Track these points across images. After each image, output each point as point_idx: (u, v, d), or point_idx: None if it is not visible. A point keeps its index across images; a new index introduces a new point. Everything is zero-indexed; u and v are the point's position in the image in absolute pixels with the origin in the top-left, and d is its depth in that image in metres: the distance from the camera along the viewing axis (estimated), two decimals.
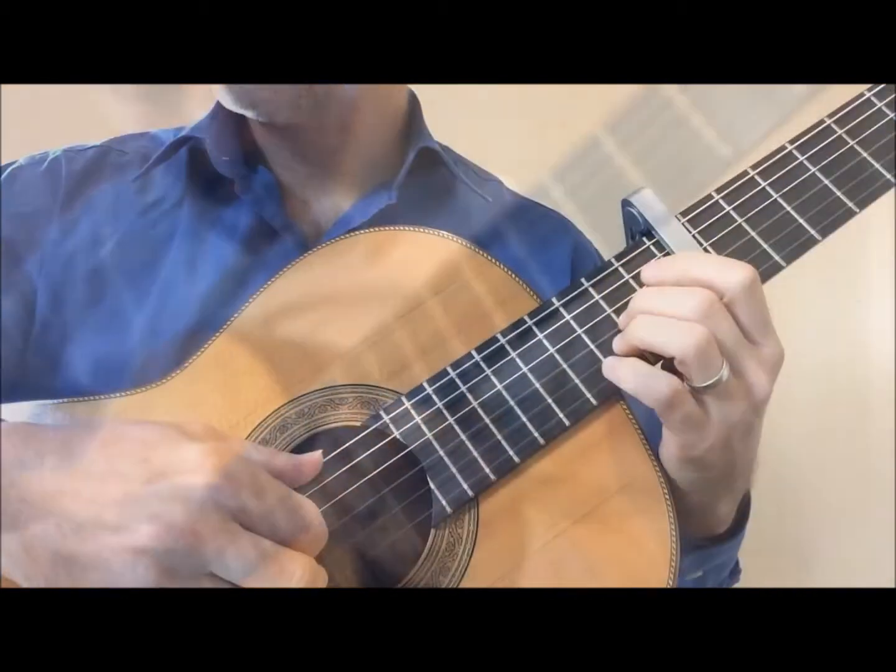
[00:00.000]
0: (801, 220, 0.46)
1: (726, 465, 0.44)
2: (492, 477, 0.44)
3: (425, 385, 0.46)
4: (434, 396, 0.45)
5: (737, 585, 0.60)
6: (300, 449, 0.45)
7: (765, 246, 0.46)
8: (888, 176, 0.47)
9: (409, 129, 0.64)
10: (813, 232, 0.46)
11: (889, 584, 1.16)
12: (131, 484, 0.33)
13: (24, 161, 0.62)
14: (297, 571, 0.34)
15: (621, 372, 0.43)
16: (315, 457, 0.40)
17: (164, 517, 0.32)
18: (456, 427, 0.45)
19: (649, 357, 0.43)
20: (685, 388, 0.41)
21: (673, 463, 0.44)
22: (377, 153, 0.63)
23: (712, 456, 0.43)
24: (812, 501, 1.22)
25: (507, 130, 1.25)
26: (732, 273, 0.41)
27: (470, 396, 0.45)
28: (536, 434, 0.44)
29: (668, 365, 0.43)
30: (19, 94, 1.00)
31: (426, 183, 0.63)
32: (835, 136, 0.48)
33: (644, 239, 0.48)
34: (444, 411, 0.45)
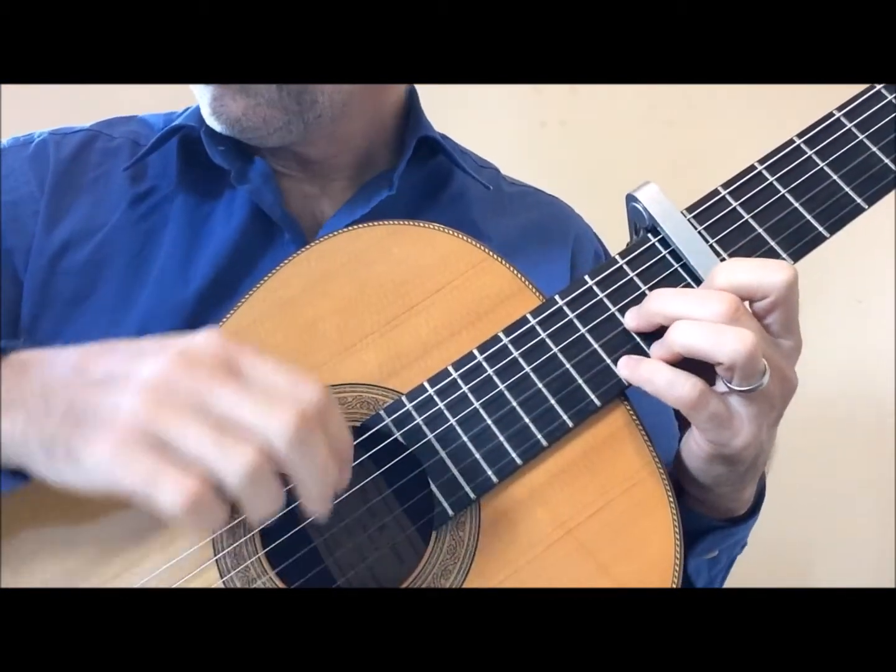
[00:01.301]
0: (808, 217, 0.46)
1: (754, 457, 0.44)
2: (494, 479, 0.43)
3: (426, 385, 0.45)
4: (435, 397, 0.45)
5: (736, 585, 0.60)
6: None
7: (772, 243, 0.46)
8: None
9: (408, 121, 0.63)
10: (821, 229, 0.46)
11: (889, 584, 1.16)
12: (147, 350, 0.36)
13: (7, 144, 0.60)
14: (288, 409, 0.34)
15: (644, 373, 0.43)
16: None
17: (167, 359, 0.35)
18: (457, 428, 0.44)
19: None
20: (709, 389, 0.41)
21: (703, 459, 0.44)
22: (374, 150, 0.62)
23: (746, 452, 0.43)
24: (812, 501, 1.22)
25: (507, 130, 1.25)
26: (778, 274, 0.42)
27: (471, 397, 0.45)
28: (539, 436, 0.44)
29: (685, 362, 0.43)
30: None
31: (425, 172, 0.63)
32: (844, 129, 0.47)
33: (649, 235, 0.47)
34: (446, 412, 0.44)
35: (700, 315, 0.41)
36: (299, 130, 0.54)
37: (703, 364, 0.42)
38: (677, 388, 0.41)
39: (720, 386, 0.42)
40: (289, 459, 0.34)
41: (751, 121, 1.16)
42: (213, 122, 0.53)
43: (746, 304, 0.43)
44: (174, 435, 0.33)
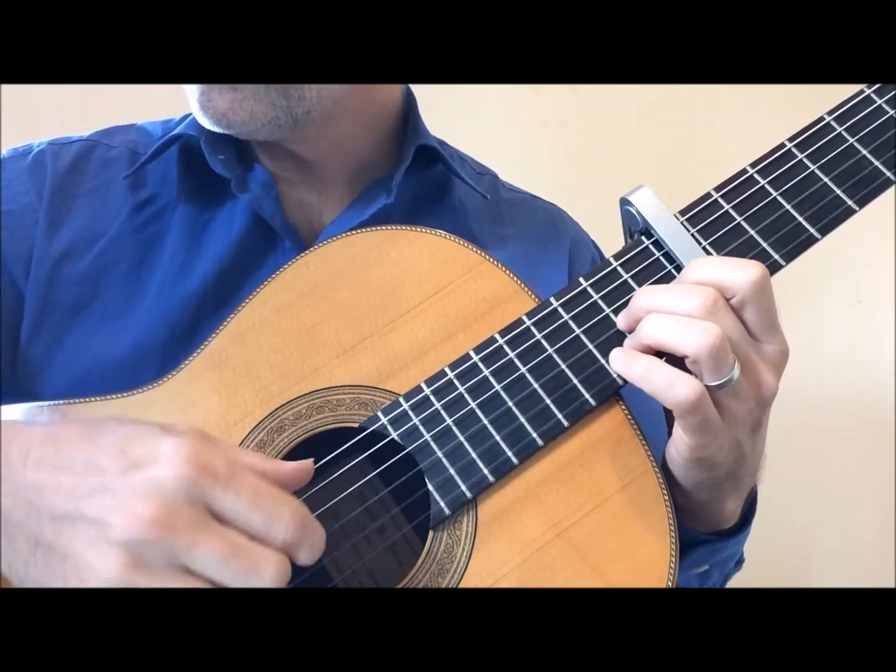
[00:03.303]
0: (800, 219, 0.46)
1: (734, 463, 0.44)
2: (490, 478, 0.43)
3: (423, 386, 0.45)
4: (432, 397, 0.45)
5: (738, 585, 0.60)
6: (297, 451, 0.45)
7: (764, 245, 0.46)
8: (888, 174, 0.46)
9: (405, 126, 0.63)
10: (812, 230, 0.46)
11: (889, 584, 1.15)
12: (108, 476, 0.34)
13: (6, 154, 0.60)
14: (269, 570, 0.33)
15: (640, 371, 0.42)
16: (305, 465, 0.39)
17: (137, 509, 0.32)
18: (454, 428, 0.44)
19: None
20: (706, 392, 0.40)
21: (682, 464, 0.44)
22: (370, 154, 0.62)
23: (721, 456, 0.43)
24: (812, 501, 1.22)
25: (507, 131, 1.25)
26: (743, 272, 0.42)
27: (468, 397, 0.45)
28: (535, 435, 0.44)
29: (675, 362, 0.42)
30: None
31: (423, 180, 0.63)
32: (834, 133, 0.47)
33: (643, 238, 0.48)
34: (443, 412, 0.45)
35: (679, 309, 0.41)
36: (288, 125, 0.54)
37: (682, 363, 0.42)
38: (676, 388, 0.40)
39: None
40: None
41: (750, 121, 1.16)
42: (201, 118, 0.53)
43: None
44: None
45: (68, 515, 0.33)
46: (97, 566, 0.32)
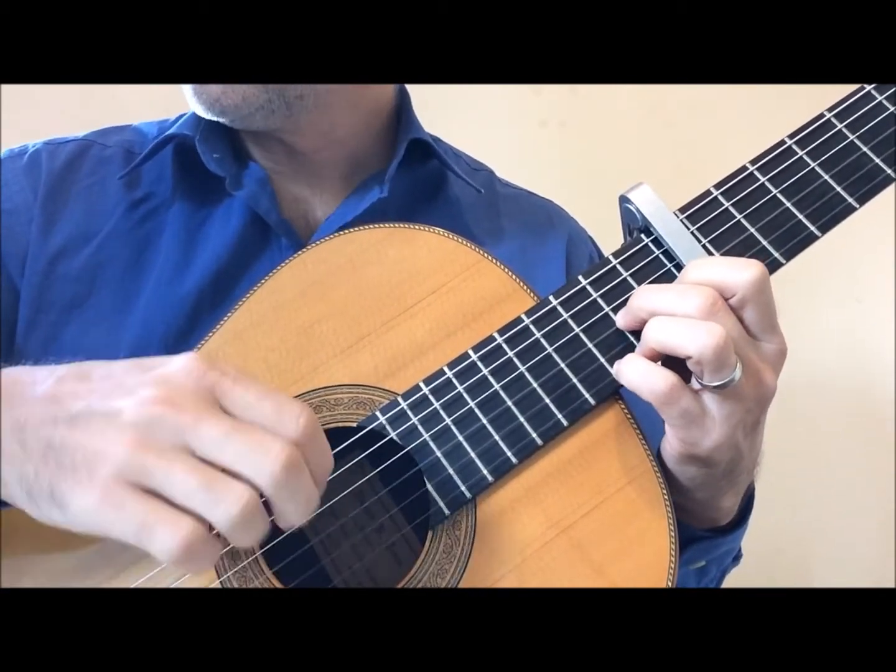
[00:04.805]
0: (800, 216, 0.46)
1: (731, 461, 0.44)
2: (490, 478, 0.43)
3: (421, 385, 0.45)
4: (430, 397, 0.45)
5: (738, 584, 0.60)
6: None
7: (764, 243, 0.46)
8: (888, 171, 0.46)
9: (399, 122, 0.63)
10: (813, 228, 0.46)
11: (889, 584, 1.15)
12: (124, 380, 0.35)
13: (3, 156, 0.61)
14: (274, 448, 0.33)
15: (622, 369, 0.43)
16: None
17: (145, 394, 0.34)
18: (453, 428, 0.44)
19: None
20: (681, 384, 0.41)
21: (676, 459, 0.44)
22: (364, 148, 0.62)
23: (718, 453, 0.43)
24: (812, 501, 1.22)
25: (507, 130, 1.25)
26: (742, 272, 0.42)
27: (467, 397, 0.45)
28: (534, 434, 0.44)
29: (673, 361, 0.42)
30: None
31: (417, 175, 0.63)
32: (835, 130, 0.47)
33: (642, 236, 0.48)
34: (441, 412, 0.45)
35: (679, 309, 0.41)
36: (282, 110, 0.54)
37: (684, 365, 0.42)
38: (650, 381, 0.41)
39: (693, 384, 0.42)
40: (275, 497, 0.34)
41: (750, 121, 1.16)
42: (195, 105, 0.54)
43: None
44: (161, 480, 0.33)
45: (82, 414, 0.34)
46: (106, 450, 0.33)
